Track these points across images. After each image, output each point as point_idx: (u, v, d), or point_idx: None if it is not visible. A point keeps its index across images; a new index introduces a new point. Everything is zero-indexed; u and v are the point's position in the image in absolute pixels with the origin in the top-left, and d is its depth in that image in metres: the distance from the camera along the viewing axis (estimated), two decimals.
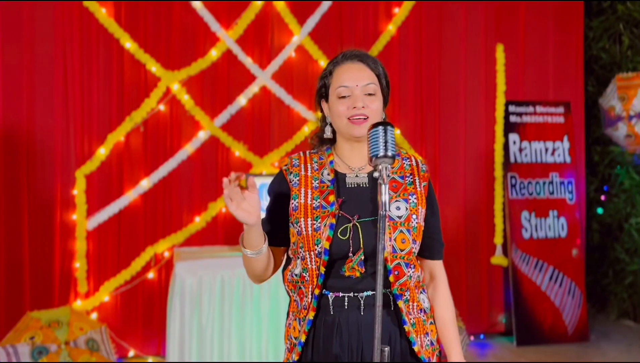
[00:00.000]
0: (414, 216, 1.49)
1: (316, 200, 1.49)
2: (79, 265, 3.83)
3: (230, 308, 3.35)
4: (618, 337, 4.51)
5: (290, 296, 1.56)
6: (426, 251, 1.57)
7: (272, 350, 3.37)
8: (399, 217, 1.48)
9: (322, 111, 1.59)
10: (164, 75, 3.90)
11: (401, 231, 1.47)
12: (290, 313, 1.55)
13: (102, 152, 3.85)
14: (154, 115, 3.92)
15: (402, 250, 1.47)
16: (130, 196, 3.91)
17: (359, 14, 4.26)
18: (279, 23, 4.12)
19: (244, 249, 1.45)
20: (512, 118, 4.48)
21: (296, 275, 1.52)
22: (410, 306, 1.49)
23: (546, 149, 4.53)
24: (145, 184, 3.91)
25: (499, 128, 4.47)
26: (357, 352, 1.45)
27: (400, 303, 1.48)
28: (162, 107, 3.93)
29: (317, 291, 1.46)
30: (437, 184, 4.38)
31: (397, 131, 4.29)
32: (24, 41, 3.74)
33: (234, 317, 3.35)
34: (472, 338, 4.34)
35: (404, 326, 1.48)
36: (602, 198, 4.94)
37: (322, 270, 1.45)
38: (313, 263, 1.46)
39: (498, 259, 4.48)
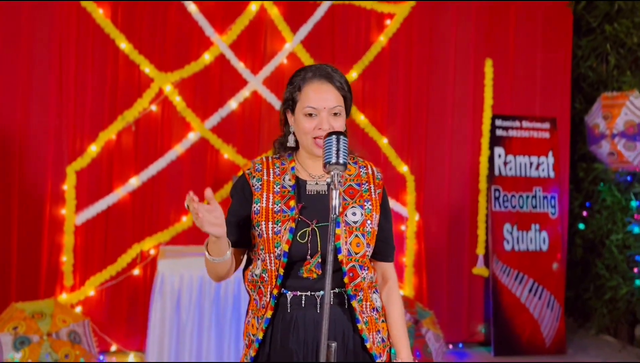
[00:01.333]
0: (369, 222, 1.58)
1: (277, 204, 1.57)
2: (66, 259, 3.91)
3: (209, 307, 3.43)
4: (596, 351, 4.58)
5: (250, 295, 1.64)
6: (379, 254, 1.66)
7: None
8: (355, 222, 1.56)
9: (286, 119, 1.67)
10: (157, 76, 3.99)
11: (356, 236, 1.55)
12: (250, 311, 1.63)
13: (94, 149, 3.93)
14: (145, 115, 4.01)
15: (356, 253, 1.55)
16: (119, 193, 3.99)
17: (352, 24, 4.36)
18: (272, 30, 4.21)
19: (208, 255, 1.51)
20: (498, 132, 4.56)
21: (256, 276, 1.60)
22: (364, 306, 1.57)
23: (531, 164, 4.61)
24: (134, 182, 4.00)
25: (485, 141, 4.55)
26: (312, 348, 1.52)
27: (354, 303, 1.56)
28: (154, 107, 4.02)
29: (275, 292, 1.54)
30: (422, 194, 4.46)
31: (385, 141, 4.38)
32: (22, 38, 3.84)
33: (213, 316, 3.42)
34: (450, 346, 4.41)
35: (357, 324, 1.56)
36: (584, 213, 5.01)
37: (281, 271, 1.53)
38: (272, 265, 1.54)
39: (479, 270, 4.55)
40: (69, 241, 3.90)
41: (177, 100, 4.02)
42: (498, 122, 4.56)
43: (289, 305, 1.55)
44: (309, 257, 1.53)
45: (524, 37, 4.64)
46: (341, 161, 1.40)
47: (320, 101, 1.56)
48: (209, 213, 1.38)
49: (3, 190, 3.84)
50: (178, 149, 4.05)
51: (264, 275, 1.56)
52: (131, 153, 4.01)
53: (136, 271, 4.00)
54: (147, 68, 3.96)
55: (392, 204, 4.35)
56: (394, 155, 4.38)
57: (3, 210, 3.85)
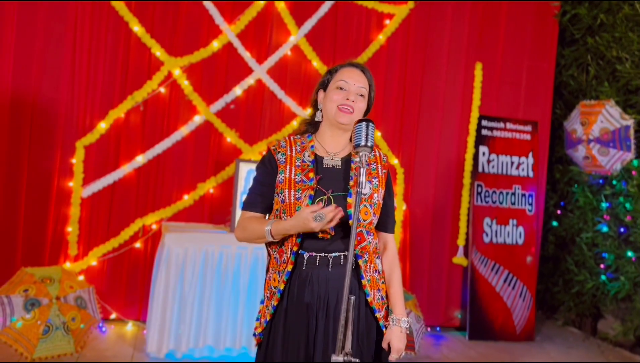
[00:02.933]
0: (376, 195, 1.86)
1: (298, 176, 1.83)
2: (71, 230, 4.09)
3: (211, 279, 3.66)
4: (560, 340, 4.94)
5: (270, 254, 1.90)
6: (382, 225, 1.94)
7: (247, 321, 3.68)
8: (365, 194, 1.84)
9: (316, 99, 1.95)
10: (167, 60, 4.18)
11: (365, 206, 1.83)
12: (270, 268, 1.89)
13: (103, 126, 4.11)
14: (154, 96, 4.20)
15: (364, 220, 1.83)
16: (125, 169, 4.18)
17: (353, 21, 4.60)
18: (278, 22, 4.43)
19: (270, 236, 1.77)
20: (484, 131, 4.87)
21: None
22: (368, 266, 1.85)
23: (512, 163, 4.93)
24: (140, 159, 4.19)
25: (471, 139, 4.85)
26: (324, 301, 1.79)
27: (360, 262, 1.83)
28: (162, 89, 4.21)
29: (295, 249, 1.80)
30: (410, 186, 4.74)
31: (378, 134, 4.64)
32: (39, 16, 3.99)
33: (214, 288, 3.65)
34: (429, 329, 4.72)
35: (362, 280, 1.83)
36: (558, 212, 5.37)
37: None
38: None
39: (459, 259, 4.87)
40: (75, 213, 4.09)
41: (185, 84, 4.22)
42: (484, 122, 4.87)
43: (305, 264, 1.80)
44: None
45: (513, 44, 4.95)
46: (369, 144, 1.67)
47: (352, 78, 1.86)
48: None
49: (14, 162, 4.00)
50: (183, 131, 4.25)
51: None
52: (138, 131, 4.20)
53: (138, 245, 4.20)
54: (158, 52, 4.15)
55: None
56: (386, 148, 4.65)
57: (13, 181, 4.01)
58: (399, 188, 4.67)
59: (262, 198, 1.88)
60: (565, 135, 5.02)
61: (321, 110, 1.91)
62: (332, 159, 1.87)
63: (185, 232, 3.78)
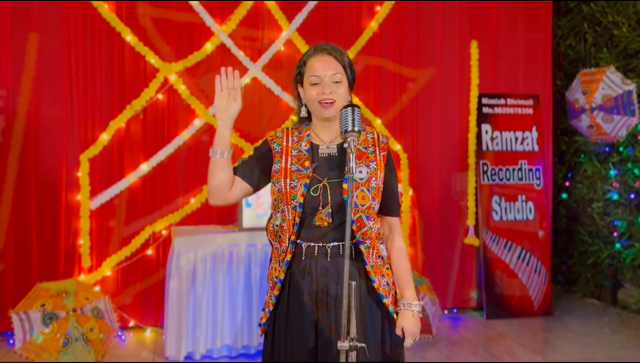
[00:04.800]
0: (374, 179, 1.84)
1: (294, 165, 1.84)
2: (83, 242, 4.14)
3: (223, 279, 3.69)
4: (580, 312, 4.91)
5: (272, 245, 1.91)
6: (385, 209, 1.92)
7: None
8: (361, 179, 1.82)
9: (298, 94, 1.93)
10: (162, 66, 4.20)
11: (362, 190, 1.81)
12: (272, 259, 1.91)
13: (105, 138, 4.15)
14: (152, 104, 4.23)
15: (362, 205, 1.81)
16: (131, 178, 4.22)
17: (344, 11, 4.59)
18: (269, 19, 4.43)
19: (212, 151, 1.79)
20: (485, 110, 4.84)
21: (277, 226, 1.88)
22: (370, 253, 1.83)
23: (516, 139, 4.90)
24: (144, 168, 4.23)
25: (473, 119, 4.83)
26: (323, 291, 1.80)
27: (362, 248, 1.82)
28: (160, 96, 4.24)
29: (293, 238, 1.81)
30: (415, 171, 4.73)
31: (379, 121, 4.64)
32: (33, 34, 4.03)
33: (227, 287, 3.68)
34: (445, 312, 4.72)
35: (365, 266, 1.82)
36: (567, 184, 5.32)
37: (297, 220, 1.79)
38: (290, 215, 1.81)
39: (470, 240, 4.85)
40: (85, 225, 4.14)
41: (182, 88, 4.24)
42: (484, 100, 4.84)
43: (303, 254, 1.81)
44: (320, 208, 1.79)
45: (507, 19, 4.90)
46: (356, 128, 1.66)
47: (322, 69, 1.81)
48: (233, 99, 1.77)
49: (21, 180, 4.05)
50: (184, 135, 4.28)
51: (283, 225, 1.83)
52: (140, 140, 4.23)
53: (149, 252, 4.25)
54: (153, 59, 4.18)
55: None
56: (387, 135, 4.64)
57: (22, 199, 4.06)
58: (403, 174, 4.67)
59: (245, 169, 1.88)
60: (567, 106, 4.97)
61: (305, 105, 1.90)
62: (327, 147, 1.87)
63: (194, 235, 3.81)
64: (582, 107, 4.74)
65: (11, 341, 3.95)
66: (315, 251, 1.81)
